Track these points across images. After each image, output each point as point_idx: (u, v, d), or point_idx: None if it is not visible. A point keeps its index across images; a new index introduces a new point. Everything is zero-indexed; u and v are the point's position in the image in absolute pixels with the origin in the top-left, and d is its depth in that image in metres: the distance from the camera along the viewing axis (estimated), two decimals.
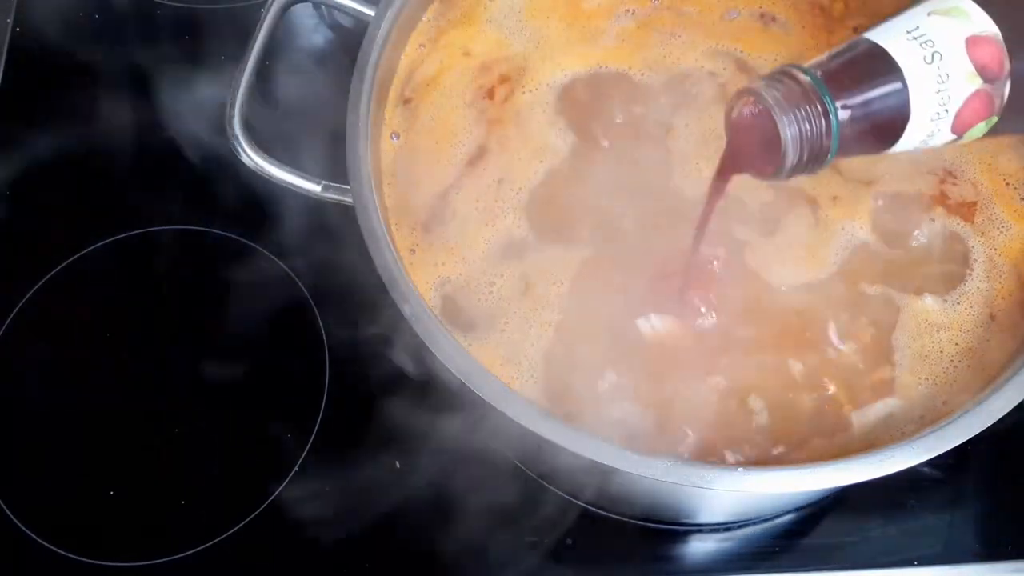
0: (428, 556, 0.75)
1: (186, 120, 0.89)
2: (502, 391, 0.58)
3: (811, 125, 0.52)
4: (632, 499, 0.75)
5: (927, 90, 0.52)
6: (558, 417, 0.58)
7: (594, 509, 0.77)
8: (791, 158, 0.53)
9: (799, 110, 0.52)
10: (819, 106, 0.52)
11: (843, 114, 0.52)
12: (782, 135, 0.52)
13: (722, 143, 0.71)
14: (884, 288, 0.67)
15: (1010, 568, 0.76)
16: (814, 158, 0.53)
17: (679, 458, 0.56)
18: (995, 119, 0.54)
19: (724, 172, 0.60)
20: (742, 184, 0.70)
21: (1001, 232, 0.69)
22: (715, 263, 0.67)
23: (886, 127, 0.53)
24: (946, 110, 0.53)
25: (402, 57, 0.76)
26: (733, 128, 0.57)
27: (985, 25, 0.53)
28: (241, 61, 0.70)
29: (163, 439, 0.80)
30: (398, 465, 0.77)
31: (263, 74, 0.71)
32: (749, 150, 0.56)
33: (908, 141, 0.54)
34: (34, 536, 0.76)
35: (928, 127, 0.53)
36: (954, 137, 0.54)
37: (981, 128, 0.55)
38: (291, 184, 0.69)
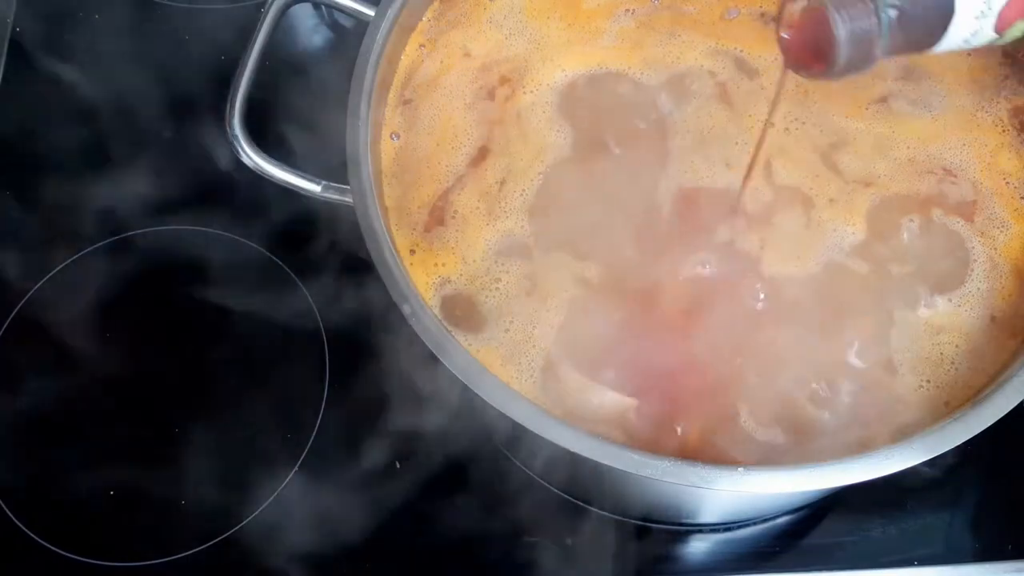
0: (427, 555, 0.76)
1: (185, 119, 0.89)
2: (502, 391, 0.58)
3: (863, 23, 0.53)
4: (632, 499, 0.75)
5: None
6: (558, 417, 0.58)
7: (594, 509, 0.77)
8: (844, 56, 0.54)
9: (852, 8, 0.53)
10: (870, 4, 0.53)
11: (892, 12, 0.53)
12: (836, 33, 0.53)
13: (722, 142, 0.72)
14: (884, 289, 0.67)
15: (1010, 568, 0.76)
16: (864, 57, 0.55)
17: (679, 458, 0.56)
18: None
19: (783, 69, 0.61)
20: (740, 184, 0.70)
21: (1001, 232, 0.69)
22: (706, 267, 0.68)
23: (932, 25, 0.54)
24: (989, 8, 0.54)
25: (402, 57, 0.76)
26: (785, 28, 0.58)
27: None
28: (241, 61, 0.70)
29: (163, 439, 0.80)
30: (398, 465, 0.77)
31: (263, 74, 0.71)
32: (801, 49, 0.58)
33: (952, 40, 0.55)
34: (34, 536, 0.76)
35: (972, 25, 0.54)
36: (996, 36, 0.56)
37: (1020, 26, 0.56)
38: (291, 184, 0.69)
